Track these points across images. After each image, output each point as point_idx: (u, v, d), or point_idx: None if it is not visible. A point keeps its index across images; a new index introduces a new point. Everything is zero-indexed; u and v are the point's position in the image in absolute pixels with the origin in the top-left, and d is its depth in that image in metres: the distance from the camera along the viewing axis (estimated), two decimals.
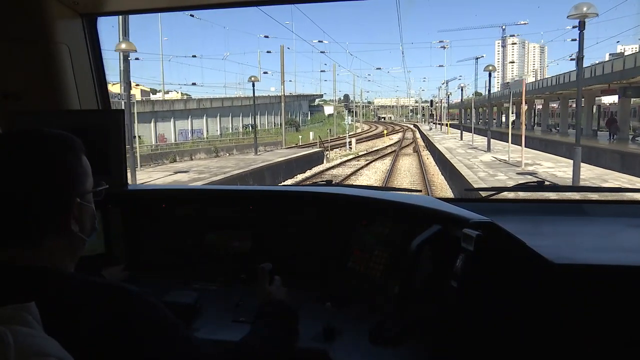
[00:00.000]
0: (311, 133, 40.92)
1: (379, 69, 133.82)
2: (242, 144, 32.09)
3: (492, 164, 16.91)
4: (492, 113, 32.79)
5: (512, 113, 20.71)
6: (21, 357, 0.67)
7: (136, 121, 22.50)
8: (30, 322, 0.73)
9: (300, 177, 20.50)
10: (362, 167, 22.41)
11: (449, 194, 15.22)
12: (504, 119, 51.67)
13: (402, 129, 66.44)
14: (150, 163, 22.56)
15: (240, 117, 46.99)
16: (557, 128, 37.50)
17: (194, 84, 63.22)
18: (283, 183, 18.30)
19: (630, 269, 1.37)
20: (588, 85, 25.25)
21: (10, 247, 0.89)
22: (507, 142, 18.17)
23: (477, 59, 44.82)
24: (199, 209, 2.10)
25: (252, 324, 1.32)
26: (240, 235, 2.03)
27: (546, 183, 2.31)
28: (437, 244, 1.51)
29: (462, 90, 45.94)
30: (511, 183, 2.44)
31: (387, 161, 25.24)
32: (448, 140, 31.59)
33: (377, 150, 32.92)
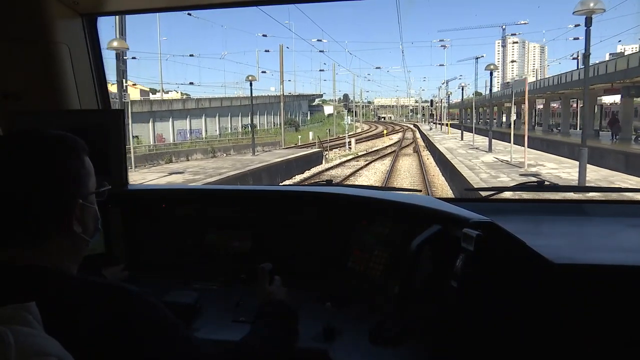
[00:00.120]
0: (310, 133, 40.87)
1: (379, 68, 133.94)
2: (239, 144, 31.94)
3: (494, 165, 16.73)
4: (492, 113, 32.76)
5: (514, 112, 20.59)
6: (22, 356, 0.67)
7: (130, 121, 22.32)
8: (30, 321, 0.73)
9: (298, 177, 20.36)
10: (361, 168, 22.31)
11: (450, 195, 15.14)
12: (504, 119, 51.67)
13: (402, 129, 66.38)
14: (145, 164, 22.31)
15: (240, 117, 46.92)
16: (559, 128, 37.43)
17: (191, 83, 63.01)
18: (281, 184, 18.25)
19: (630, 269, 1.37)
20: (591, 84, 25.09)
21: (10, 247, 0.89)
22: (508, 142, 17.95)
23: (477, 58, 44.76)
24: (199, 209, 2.11)
25: (252, 324, 1.32)
26: (240, 235, 2.03)
27: (546, 183, 2.31)
28: (437, 244, 1.51)
29: (462, 89, 45.90)
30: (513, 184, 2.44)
31: (387, 161, 25.18)
32: (448, 141, 31.51)
33: (377, 150, 32.87)
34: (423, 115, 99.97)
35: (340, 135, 43.22)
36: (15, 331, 0.69)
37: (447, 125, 49.64)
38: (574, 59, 45.34)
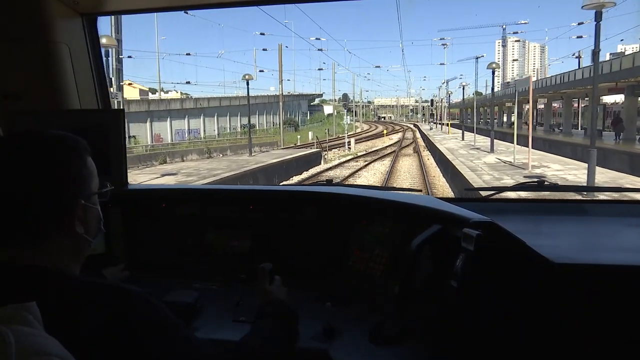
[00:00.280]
0: (310, 133, 40.83)
1: (378, 67, 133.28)
2: (236, 145, 31.61)
3: (497, 166, 16.43)
4: (493, 113, 32.73)
5: (516, 112, 20.39)
6: (22, 356, 0.67)
7: (127, 121, 21.86)
8: (31, 321, 0.73)
9: (296, 179, 20.17)
10: (360, 169, 22.17)
11: (451, 195, 15.04)
12: (505, 119, 51.62)
13: (402, 129, 66.41)
14: (138, 165, 21.54)
15: (238, 117, 46.81)
16: (560, 128, 37.31)
17: (188, 82, 62.11)
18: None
19: (630, 268, 1.37)
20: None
21: (10, 247, 0.89)
22: (509, 142, 17.56)
23: (477, 58, 44.69)
24: (199, 208, 2.11)
25: (252, 324, 1.32)
26: (240, 235, 2.03)
27: (546, 183, 2.31)
28: (437, 244, 1.51)
29: (463, 88, 45.86)
30: None
31: (387, 162, 25.11)
32: (449, 141, 31.42)
33: (377, 150, 32.82)
34: (423, 115, 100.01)
35: (340, 135, 43.20)
36: (16, 331, 0.69)
37: (447, 125, 49.61)
38: (576, 57, 45.34)
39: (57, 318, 0.79)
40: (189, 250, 2.05)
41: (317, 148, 28.87)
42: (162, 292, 1.66)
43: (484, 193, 2.53)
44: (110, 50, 14.55)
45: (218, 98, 46.43)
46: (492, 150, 21.50)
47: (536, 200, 2.47)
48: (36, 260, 0.89)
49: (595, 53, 12.65)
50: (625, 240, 1.78)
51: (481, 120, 54.46)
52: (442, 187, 16.93)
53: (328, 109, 79.46)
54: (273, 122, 52.37)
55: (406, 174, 20.82)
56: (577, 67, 34.47)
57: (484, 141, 26.10)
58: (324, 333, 1.47)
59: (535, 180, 2.27)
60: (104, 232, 1.09)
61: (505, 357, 1.34)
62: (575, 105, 39.72)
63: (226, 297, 1.74)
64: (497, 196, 2.38)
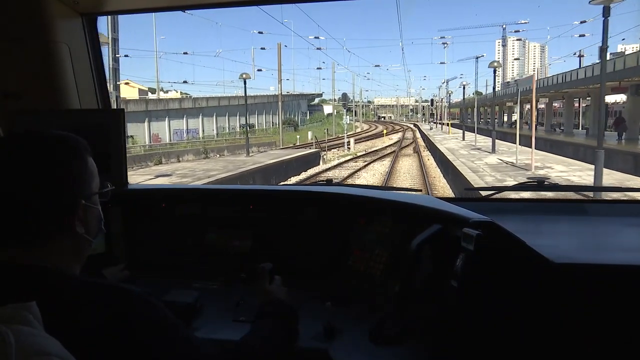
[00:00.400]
0: (309, 133, 40.80)
1: (378, 66, 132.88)
2: (234, 145, 31.38)
3: (499, 167, 16.11)
4: (493, 112, 32.71)
5: (519, 111, 20.21)
6: (22, 356, 0.67)
7: (125, 121, 21.49)
8: (31, 321, 0.73)
9: (294, 179, 20.00)
10: (360, 169, 22.03)
11: (450, 195, 14.99)
12: (505, 119, 51.59)
13: (402, 129, 66.37)
14: (132, 165, 21.14)
15: (237, 117, 46.71)
16: (561, 128, 37.23)
17: (185, 82, 61.73)
18: None
19: (630, 268, 1.37)
20: (596, 83, 24.59)
21: (10, 247, 0.89)
22: (510, 142, 17.10)
23: (477, 58, 44.60)
24: (199, 208, 2.11)
25: (252, 324, 1.32)
26: (241, 235, 2.03)
27: (546, 183, 2.32)
28: (437, 244, 1.51)
29: (464, 88, 45.79)
30: None
31: (387, 162, 25.03)
32: (449, 141, 31.29)
33: (377, 150, 32.75)
34: (423, 114, 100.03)
35: (340, 135, 43.18)
36: (16, 330, 0.69)
37: (447, 124, 49.57)
38: (578, 57, 45.26)
39: (57, 318, 0.79)
40: (189, 250, 2.05)
41: (315, 148, 28.76)
42: (162, 292, 1.66)
43: (484, 193, 2.53)
44: (107, 48, 14.47)
45: (217, 98, 46.37)
46: (493, 150, 21.26)
47: (536, 200, 2.47)
48: (36, 260, 0.89)
49: (603, 50, 12.11)
50: (625, 240, 1.78)
51: (481, 120, 54.46)
52: (442, 188, 16.81)
53: (328, 109, 79.45)
54: (272, 122, 52.34)
55: (406, 175, 20.72)
56: (578, 67, 34.40)
57: (484, 141, 25.93)
58: (324, 333, 1.47)
59: (536, 181, 2.27)
60: (104, 232, 1.09)
61: (505, 357, 1.34)
62: (576, 105, 39.69)
63: (226, 297, 1.74)
64: (497, 196, 2.39)
